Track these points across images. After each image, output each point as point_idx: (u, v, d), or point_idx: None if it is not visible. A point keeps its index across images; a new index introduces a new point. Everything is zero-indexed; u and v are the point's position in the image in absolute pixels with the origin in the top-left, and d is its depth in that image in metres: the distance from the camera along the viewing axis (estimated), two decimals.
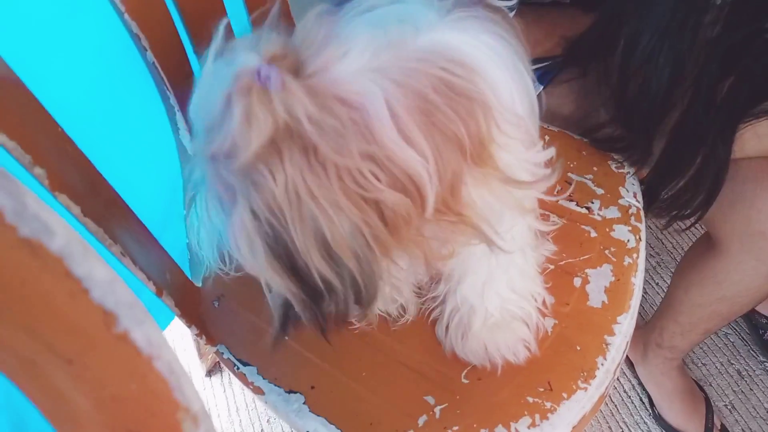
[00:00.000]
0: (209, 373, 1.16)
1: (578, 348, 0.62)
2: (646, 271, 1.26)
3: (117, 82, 0.59)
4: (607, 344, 0.63)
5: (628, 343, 0.64)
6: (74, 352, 0.19)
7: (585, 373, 0.60)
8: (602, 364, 0.61)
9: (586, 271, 0.68)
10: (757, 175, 0.76)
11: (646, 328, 1.03)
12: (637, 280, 0.68)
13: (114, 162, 0.62)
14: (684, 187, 0.74)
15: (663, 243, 1.29)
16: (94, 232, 0.49)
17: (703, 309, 0.90)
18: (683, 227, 0.80)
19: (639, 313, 0.69)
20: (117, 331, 0.19)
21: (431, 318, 0.65)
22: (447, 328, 0.63)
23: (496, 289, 0.59)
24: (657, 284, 1.24)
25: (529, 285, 0.62)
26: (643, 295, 1.22)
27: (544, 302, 0.64)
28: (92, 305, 0.19)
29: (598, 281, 0.68)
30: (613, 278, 0.68)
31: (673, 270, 1.26)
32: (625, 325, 0.65)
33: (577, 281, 0.68)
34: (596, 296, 0.67)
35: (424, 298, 0.64)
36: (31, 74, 0.46)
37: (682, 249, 1.27)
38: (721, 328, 1.05)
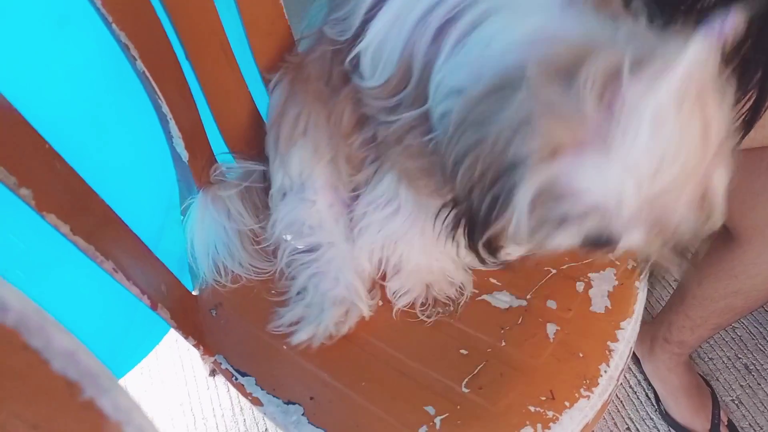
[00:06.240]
0: (213, 372, 1.16)
1: (581, 355, 0.61)
2: None
3: (107, 92, 0.58)
4: (610, 351, 0.62)
5: (631, 349, 0.63)
6: (40, 417, 0.19)
7: (587, 381, 0.59)
8: (605, 372, 0.60)
9: (589, 275, 0.67)
10: None
11: (653, 322, 1.02)
12: (641, 284, 0.67)
13: (107, 172, 0.61)
14: None
15: None
16: (84, 250, 0.48)
17: (716, 303, 0.88)
18: None
19: (645, 308, 0.68)
20: (82, 400, 0.19)
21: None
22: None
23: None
24: (663, 277, 1.23)
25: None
26: (649, 289, 1.21)
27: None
28: (53, 376, 0.18)
29: (600, 286, 0.66)
30: (616, 282, 0.67)
31: None
32: (629, 330, 0.63)
33: (580, 286, 0.67)
34: (599, 301, 0.65)
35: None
36: (16, 88, 0.45)
37: None
38: (732, 323, 1.04)
